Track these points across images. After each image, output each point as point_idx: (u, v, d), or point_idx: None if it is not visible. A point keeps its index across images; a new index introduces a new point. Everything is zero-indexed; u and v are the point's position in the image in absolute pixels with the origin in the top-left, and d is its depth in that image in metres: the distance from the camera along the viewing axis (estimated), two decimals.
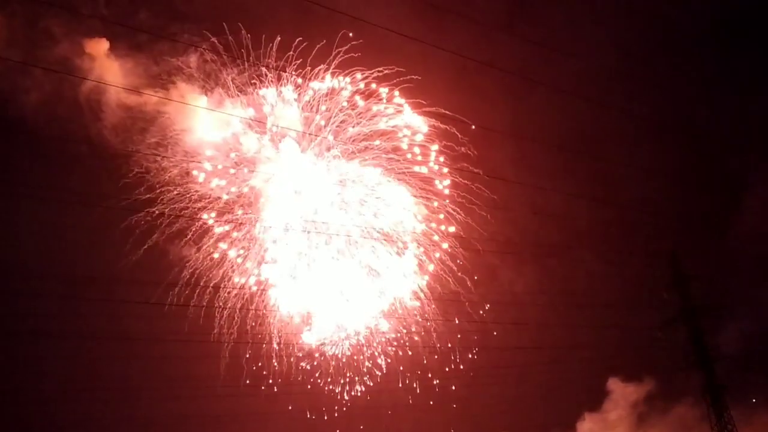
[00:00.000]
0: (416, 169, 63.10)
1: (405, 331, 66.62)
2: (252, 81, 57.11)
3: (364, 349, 65.97)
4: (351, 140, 60.86)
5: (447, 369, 68.98)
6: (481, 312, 67.51)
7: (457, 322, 67.32)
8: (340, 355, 65.35)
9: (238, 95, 56.50)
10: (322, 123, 60.20)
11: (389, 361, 66.61)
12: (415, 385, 69.26)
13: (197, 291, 59.29)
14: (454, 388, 71.12)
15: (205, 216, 58.38)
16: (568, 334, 78.51)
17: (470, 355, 69.57)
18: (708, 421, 72.15)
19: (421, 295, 65.70)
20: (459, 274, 65.19)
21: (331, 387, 65.87)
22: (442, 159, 63.11)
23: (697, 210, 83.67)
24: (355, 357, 65.83)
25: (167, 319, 58.99)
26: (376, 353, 66.24)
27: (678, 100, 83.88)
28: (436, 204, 64.02)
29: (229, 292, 60.63)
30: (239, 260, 60.89)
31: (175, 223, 57.16)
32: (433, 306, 66.02)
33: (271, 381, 63.85)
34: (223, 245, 60.28)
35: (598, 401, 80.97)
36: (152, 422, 64.81)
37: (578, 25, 79.43)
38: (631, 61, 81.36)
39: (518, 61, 72.50)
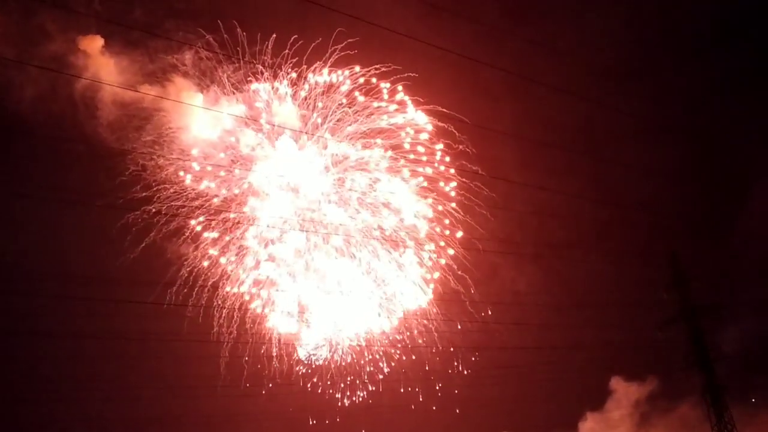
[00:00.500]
0: (416, 167, 61.95)
1: (408, 333, 65.50)
2: (248, 78, 56.20)
3: (365, 353, 64.84)
4: (348, 138, 59.81)
5: (450, 371, 68.39)
6: (482, 313, 66.50)
7: (459, 327, 66.59)
8: (338, 359, 64.28)
9: (233, 92, 55.50)
10: (319, 120, 59.22)
11: (393, 364, 65.77)
12: (417, 390, 68.64)
13: (195, 290, 58.45)
14: (456, 391, 70.55)
15: (201, 219, 57.08)
16: (570, 334, 77.40)
17: (473, 358, 69.16)
18: (719, 420, 70.76)
19: (423, 296, 64.43)
20: (459, 272, 64.37)
21: (330, 391, 65.01)
22: (440, 157, 62.17)
23: (697, 210, 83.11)
24: (356, 360, 64.81)
25: (166, 319, 58.17)
26: (377, 356, 65.09)
27: (678, 99, 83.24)
28: (440, 207, 62.90)
29: (228, 291, 59.62)
30: (232, 264, 59.90)
31: (173, 221, 56.25)
32: (435, 310, 65.11)
33: (271, 385, 63.26)
34: (213, 251, 59.22)
35: (600, 401, 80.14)
36: (151, 422, 63.78)
37: (578, 24, 78.51)
38: (631, 61, 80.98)
39: (518, 61, 71.64)
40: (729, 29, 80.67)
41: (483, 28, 69.14)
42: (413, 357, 65.99)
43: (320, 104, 58.59)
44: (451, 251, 63.56)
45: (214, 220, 57.47)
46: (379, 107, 59.76)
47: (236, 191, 58.29)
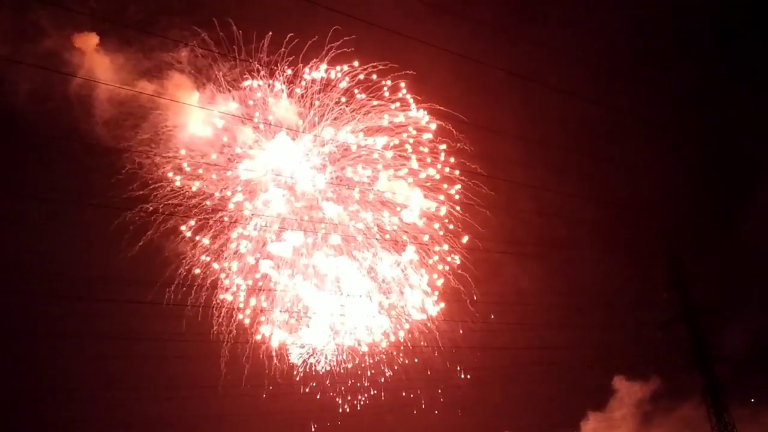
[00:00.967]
0: (413, 165, 60.97)
1: (410, 335, 64.34)
2: (244, 76, 55.38)
3: (366, 358, 63.75)
4: (346, 135, 58.86)
5: (451, 372, 67.33)
6: (480, 313, 65.26)
7: (461, 332, 65.37)
8: (335, 363, 63.16)
9: (229, 90, 54.62)
10: (316, 119, 58.33)
11: (396, 367, 64.61)
12: (419, 391, 67.86)
13: (194, 288, 57.50)
14: (458, 392, 69.56)
15: (192, 223, 56.16)
16: (571, 333, 75.86)
17: (474, 358, 68.11)
18: (718, 420, 70.16)
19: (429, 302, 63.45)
20: (459, 271, 63.59)
21: (331, 394, 64.06)
22: (444, 158, 61.28)
23: (698, 210, 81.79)
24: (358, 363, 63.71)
25: (164, 318, 57.24)
26: (378, 359, 64.01)
27: (679, 99, 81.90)
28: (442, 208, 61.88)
29: (227, 289, 58.65)
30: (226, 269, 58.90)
31: (170, 219, 55.33)
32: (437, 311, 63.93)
33: (271, 387, 62.35)
34: (205, 257, 58.22)
35: (602, 401, 78.90)
36: (151, 422, 62.64)
37: (579, 24, 77.61)
38: (632, 61, 79.84)
39: (518, 60, 70.84)
40: (730, 28, 79.94)
41: (482, 26, 68.32)
42: (416, 360, 65.03)
43: (317, 102, 57.92)
44: (456, 258, 62.98)
45: (211, 218, 56.59)
46: (375, 105, 59.00)
47: (229, 193, 57.39)
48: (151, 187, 54.24)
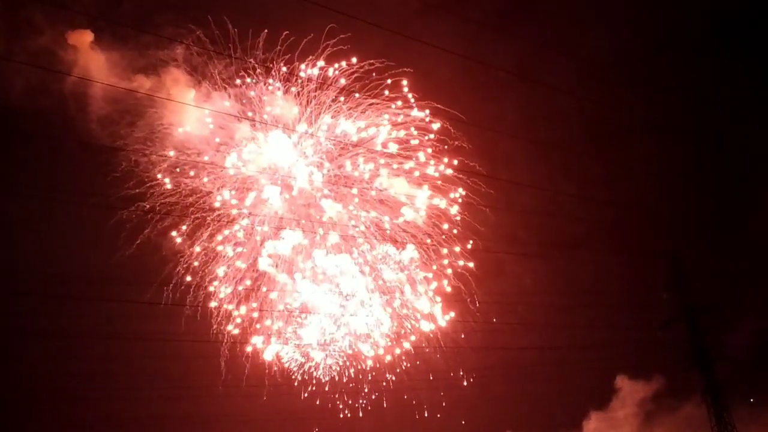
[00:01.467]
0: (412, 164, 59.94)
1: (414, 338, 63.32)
2: (240, 74, 54.44)
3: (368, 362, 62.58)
4: (343, 134, 57.94)
5: (453, 372, 66.34)
6: (484, 313, 64.22)
7: (462, 336, 64.38)
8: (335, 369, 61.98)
9: (225, 88, 53.73)
10: (313, 117, 57.38)
11: (398, 370, 63.45)
12: (421, 392, 67.02)
13: (192, 287, 56.42)
14: (460, 392, 68.28)
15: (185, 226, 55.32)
16: (573, 333, 75.33)
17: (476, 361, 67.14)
18: (718, 420, 69.04)
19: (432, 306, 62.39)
20: (459, 270, 62.54)
21: (333, 396, 63.02)
22: (442, 157, 60.24)
23: (699, 210, 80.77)
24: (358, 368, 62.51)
25: (162, 317, 56.25)
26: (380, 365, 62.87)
27: (679, 99, 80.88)
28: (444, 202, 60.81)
29: (234, 278, 57.61)
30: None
31: (167, 217, 54.44)
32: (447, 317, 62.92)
33: (272, 388, 61.05)
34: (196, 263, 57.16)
35: (605, 400, 77.44)
36: (150, 422, 61.43)
37: (579, 23, 76.83)
38: (632, 60, 79.35)
39: (517, 59, 70.74)
40: (730, 27, 79.08)
41: (480, 24, 67.54)
42: (417, 362, 64.03)
43: (313, 101, 57.02)
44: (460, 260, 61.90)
45: (208, 216, 55.64)
46: (372, 104, 58.06)
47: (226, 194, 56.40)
48: (148, 185, 53.54)
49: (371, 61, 56.34)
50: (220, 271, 57.70)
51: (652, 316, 74.06)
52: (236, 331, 58.93)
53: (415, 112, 58.76)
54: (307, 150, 57.80)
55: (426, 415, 68.45)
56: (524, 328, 70.71)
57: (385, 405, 64.50)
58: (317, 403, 62.30)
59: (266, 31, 53.26)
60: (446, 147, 59.35)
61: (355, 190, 59.38)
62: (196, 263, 56.28)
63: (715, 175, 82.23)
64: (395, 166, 59.92)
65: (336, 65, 56.29)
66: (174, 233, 55.74)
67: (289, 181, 56.71)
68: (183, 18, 50.91)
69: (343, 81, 56.95)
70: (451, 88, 63.29)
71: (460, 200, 61.14)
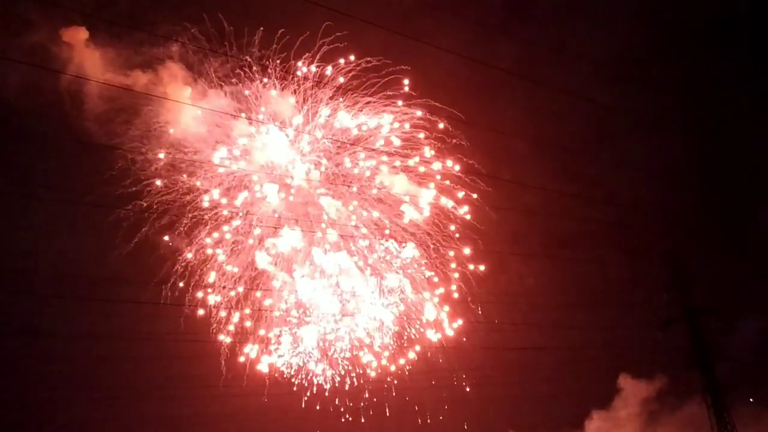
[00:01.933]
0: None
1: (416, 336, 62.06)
2: (236, 71, 53.58)
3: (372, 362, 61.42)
4: (342, 131, 57.02)
5: (455, 380, 65.56)
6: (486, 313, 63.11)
7: (464, 340, 63.36)
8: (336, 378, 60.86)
9: (221, 86, 52.85)
10: (310, 115, 56.43)
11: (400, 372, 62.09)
12: (422, 393, 66.17)
13: (191, 285, 55.57)
14: (468, 389, 67.03)
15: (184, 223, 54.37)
16: (574, 333, 73.51)
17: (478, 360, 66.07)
18: (719, 420, 68.19)
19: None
20: (468, 274, 61.47)
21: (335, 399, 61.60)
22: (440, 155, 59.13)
23: (700, 210, 79.75)
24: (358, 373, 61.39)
25: (161, 317, 55.39)
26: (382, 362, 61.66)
27: (679, 99, 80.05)
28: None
29: (224, 287, 56.55)
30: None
31: (164, 216, 53.56)
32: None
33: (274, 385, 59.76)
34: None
35: (607, 400, 76.50)
36: (148, 422, 60.41)
37: (579, 23, 76.07)
38: (633, 60, 78.41)
39: (517, 58, 69.43)
40: (730, 26, 78.36)
41: (479, 23, 66.84)
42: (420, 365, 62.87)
43: (309, 100, 56.15)
44: (471, 266, 60.91)
45: (205, 214, 54.70)
46: (369, 102, 57.11)
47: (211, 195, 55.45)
48: (144, 183, 52.61)
49: (368, 59, 55.51)
50: (212, 276, 56.78)
51: (654, 315, 73.09)
52: (228, 340, 58.02)
53: (413, 110, 57.82)
54: (305, 148, 56.91)
55: (428, 417, 67.70)
56: (527, 327, 70.00)
57: (386, 405, 63.63)
58: (317, 407, 61.34)
59: (262, 29, 52.70)
60: (441, 146, 58.39)
61: (354, 189, 58.52)
62: (190, 255, 55.37)
63: (716, 174, 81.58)
64: (398, 163, 59.14)
65: (333, 63, 55.54)
66: (166, 238, 54.91)
67: (286, 180, 55.79)
68: (178, 15, 50.31)
69: (341, 80, 56.25)
70: (449, 86, 62.56)
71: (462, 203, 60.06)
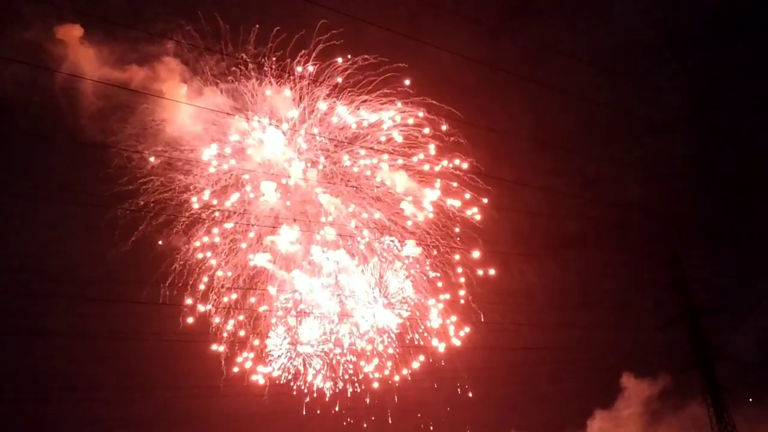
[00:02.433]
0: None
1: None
2: (231, 69, 52.74)
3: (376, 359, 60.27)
4: (339, 129, 56.08)
5: (457, 372, 63.78)
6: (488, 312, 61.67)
7: (467, 334, 61.81)
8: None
9: (217, 84, 51.99)
10: (307, 112, 55.49)
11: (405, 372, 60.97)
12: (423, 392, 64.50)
13: (189, 284, 54.48)
14: (470, 394, 65.85)
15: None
16: (576, 333, 72.05)
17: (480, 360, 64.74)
18: (719, 420, 67.39)
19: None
20: (464, 269, 60.35)
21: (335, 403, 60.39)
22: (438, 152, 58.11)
23: (701, 210, 78.76)
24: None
25: (160, 316, 54.42)
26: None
27: (680, 98, 79.71)
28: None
29: (222, 286, 55.57)
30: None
31: (162, 214, 52.60)
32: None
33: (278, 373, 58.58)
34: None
35: (610, 399, 75.39)
36: (147, 422, 59.31)
37: (579, 23, 75.31)
38: (633, 60, 78.39)
39: (516, 58, 69.16)
40: (730, 26, 77.82)
41: (479, 23, 66.07)
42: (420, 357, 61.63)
43: (306, 98, 55.21)
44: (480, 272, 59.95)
45: (203, 213, 53.78)
46: (365, 100, 56.14)
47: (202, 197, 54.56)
48: (140, 181, 51.69)
49: (365, 56, 54.62)
50: (209, 279, 55.90)
51: (656, 315, 72.44)
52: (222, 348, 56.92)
53: (411, 108, 56.88)
54: (302, 145, 56.00)
55: (430, 418, 67.35)
56: (529, 328, 68.14)
57: (388, 408, 62.50)
58: (318, 411, 60.20)
59: (257, 26, 51.84)
60: (440, 143, 57.43)
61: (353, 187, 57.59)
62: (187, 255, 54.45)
63: (717, 174, 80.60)
64: (400, 161, 58.19)
65: (330, 61, 54.64)
66: (159, 242, 54.07)
67: (282, 181, 54.83)
68: (173, 13, 49.50)
69: (339, 79, 55.38)
70: (447, 84, 61.90)
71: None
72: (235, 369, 56.96)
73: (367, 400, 60.64)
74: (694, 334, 68.85)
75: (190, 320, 55.01)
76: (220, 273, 55.53)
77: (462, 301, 60.60)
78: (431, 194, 58.69)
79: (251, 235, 55.57)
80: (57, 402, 56.41)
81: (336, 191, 57.07)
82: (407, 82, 55.84)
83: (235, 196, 54.90)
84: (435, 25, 62.81)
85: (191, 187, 53.01)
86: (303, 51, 53.09)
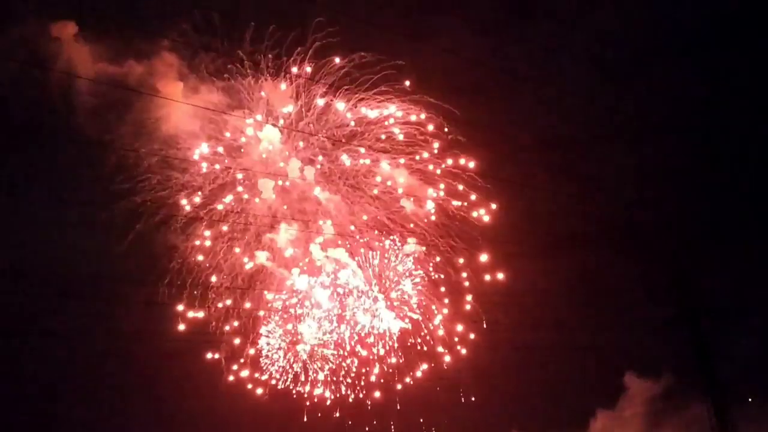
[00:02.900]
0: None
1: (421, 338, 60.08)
2: (228, 66, 52.00)
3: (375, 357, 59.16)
4: (337, 127, 55.30)
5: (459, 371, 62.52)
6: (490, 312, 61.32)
7: (469, 336, 61.24)
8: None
9: (213, 82, 51.23)
10: (303, 110, 54.73)
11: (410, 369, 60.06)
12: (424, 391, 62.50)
13: (189, 281, 53.77)
14: (473, 398, 65.07)
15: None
16: (578, 333, 72.12)
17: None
18: (719, 421, 66.12)
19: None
20: (459, 264, 59.67)
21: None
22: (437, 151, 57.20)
23: (702, 210, 77.17)
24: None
25: (159, 315, 53.61)
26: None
27: (681, 98, 77.91)
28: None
29: (221, 284, 54.71)
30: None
31: (159, 212, 51.88)
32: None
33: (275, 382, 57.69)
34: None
35: (612, 399, 73.71)
36: (147, 422, 58.33)
37: (579, 22, 74.20)
38: (634, 60, 76.06)
39: (516, 57, 68.09)
40: (730, 26, 76.15)
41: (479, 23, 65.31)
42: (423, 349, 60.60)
43: (303, 95, 54.46)
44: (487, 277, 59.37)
45: (200, 211, 52.98)
46: (362, 99, 55.32)
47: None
48: (137, 179, 50.95)
49: (362, 53, 53.82)
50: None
51: (655, 315, 71.43)
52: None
53: (408, 106, 56.04)
54: (299, 143, 55.22)
55: (431, 419, 66.12)
56: (531, 327, 68.21)
57: (389, 410, 61.63)
58: (319, 414, 59.02)
59: (253, 24, 51.18)
60: (435, 140, 56.50)
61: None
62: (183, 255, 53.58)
63: (717, 174, 79.23)
64: (402, 161, 57.32)
65: (326, 59, 53.83)
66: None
67: (279, 182, 54.00)
68: (169, 11, 48.85)
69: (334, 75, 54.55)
70: (445, 82, 60.56)
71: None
72: (231, 378, 56.46)
73: (369, 406, 59.85)
74: (695, 335, 67.74)
75: (182, 327, 54.24)
76: (214, 278, 55.00)
77: (468, 307, 60.22)
78: (432, 194, 57.99)
79: (248, 234, 54.97)
80: (56, 402, 55.88)
81: (334, 189, 56.30)
82: (407, 83, 55.33)
83: (231, 196, 54.34)
84: (434, 23, 62.01)
85: (189, 185, 52.40)
86: (299, 48, 52.64)
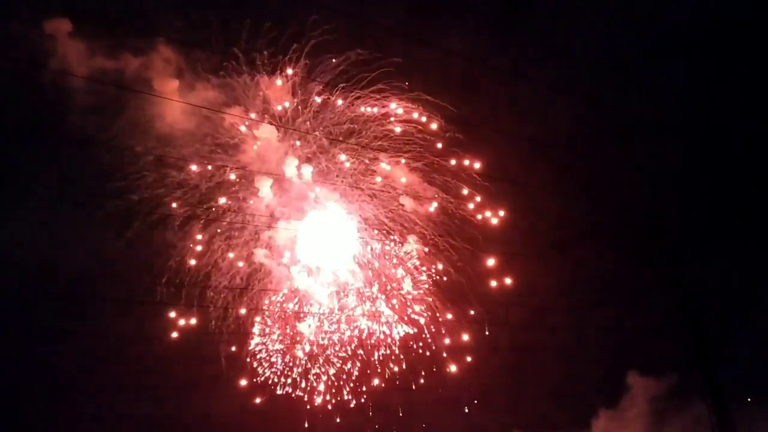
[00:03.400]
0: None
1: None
2: (224, 64, 51.24)
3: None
4: (335, 125, 54.44)
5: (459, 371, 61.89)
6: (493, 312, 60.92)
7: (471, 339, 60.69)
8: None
9: (208, 80, 50.41)
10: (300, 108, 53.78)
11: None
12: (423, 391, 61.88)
13: (187, 280, 52.90)
14: (476, 401, 65.79)
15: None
16: (579, 333, 70.55)
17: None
18: (719, 420, 63.69)
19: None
20: (459, 264, 58.64)
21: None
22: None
23: (702, 210, 76.19)
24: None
25: (157, 314, 52.67)
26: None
27: (681, 98, 77.16)
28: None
29: (220, 283, 53.76)
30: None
31: (155, 211, 50.94)
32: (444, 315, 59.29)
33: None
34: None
35: (615, 398, 71.49)
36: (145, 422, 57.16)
37: (578, 22, 73.31)
38: (633, 60, 75.58)
39: (516, 57, 66.59)
40: (731, 26, 75.12)
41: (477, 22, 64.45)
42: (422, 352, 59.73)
43: (299, 93, 53.63)
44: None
45: (198, 209, 52.12)
46: (359, 98, 54.45)
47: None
48: (132, 178, 50.12)
49: (359, 51, 52.95)
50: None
51: (655, 315, 69.77)
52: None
53: (406, 104, 55.14)
54: (296, 142, 54.26)
55: (431, 419, 65.60)
56: (533, 327, 66.91)
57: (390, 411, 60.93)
58: (319, 416, 58.13)
59: (249, 21, 50.32)
60: (433, 139, 55.60)
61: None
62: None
63: (717, 174, 78.25)
64: (403, 160, 56.32)
65: (322, 57, 53.03)
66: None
67: (277, 183, 53.19)
68: (165, 9, 48.09)
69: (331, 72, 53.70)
70: (443, 82, 59.68)
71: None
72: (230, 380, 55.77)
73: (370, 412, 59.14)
74: (695, 335, 65.31)
75: (174, 335, 53.47)
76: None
77: (472, 312, 59.60)
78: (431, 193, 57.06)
79: (246, 233, 54.09)
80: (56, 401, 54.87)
81: (332, 187, 55.35)
82: (407, 84, 54.65)
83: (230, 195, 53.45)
84: (432, 22, 61.02)
85: (186, 183, 51.53)
86: (295, 45, 51.85)
